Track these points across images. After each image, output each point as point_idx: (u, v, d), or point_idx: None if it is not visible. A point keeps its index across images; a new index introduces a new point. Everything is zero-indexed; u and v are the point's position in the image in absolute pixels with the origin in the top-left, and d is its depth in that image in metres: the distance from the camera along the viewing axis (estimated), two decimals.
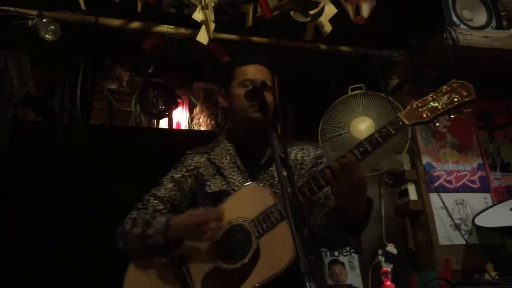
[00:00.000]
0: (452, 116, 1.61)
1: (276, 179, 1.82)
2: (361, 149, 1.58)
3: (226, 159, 1.91)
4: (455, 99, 1.58)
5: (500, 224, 2.79)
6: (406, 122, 1.60)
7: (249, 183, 1.79)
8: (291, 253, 1.52)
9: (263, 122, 1.80)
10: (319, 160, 1.97)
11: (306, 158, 1.95)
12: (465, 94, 1.58)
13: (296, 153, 1.95)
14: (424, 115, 1.59)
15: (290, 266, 1.52)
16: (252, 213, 1.67)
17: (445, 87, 1.61)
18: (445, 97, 1.59)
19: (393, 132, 1.59)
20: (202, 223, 1.64)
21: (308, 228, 1.84)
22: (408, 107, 1.62)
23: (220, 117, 3.84)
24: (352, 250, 3.03)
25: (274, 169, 1.85)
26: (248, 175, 1.85)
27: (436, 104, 1.59)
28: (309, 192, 1.62)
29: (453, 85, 1.61)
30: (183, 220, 1.70)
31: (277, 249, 1.58)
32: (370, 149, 1.58)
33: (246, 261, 1.60)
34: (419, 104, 1.61)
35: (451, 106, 1.58)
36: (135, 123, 4.12)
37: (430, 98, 1.61)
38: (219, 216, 1.67)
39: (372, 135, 1.61)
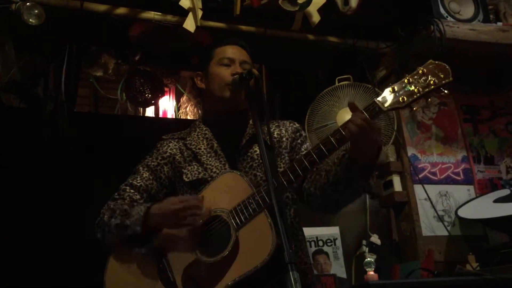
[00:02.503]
0: (429, 100, 1.56)
1: (257, 161, 1.78)
2: (337, 137, 1.57)
3: (203, 143, 1.85)
4: (432, 82, 1.52)
5: (482, 216, 2.82)
6: (382, 108, 1.55)
7: (225, 171, 1.75)
8: (271, 245, 1.49)
9: (239, 103, 1.78)
10: (298, 133, 1.93)
11: (283, 134, 1.90)
12: (442, 76, 1.53)
13: (272, 130, 1.90)
14: (401, 99, 1.54)
15: (271, 258, 1.49)
16: (230, 203, 1.63)
17: (421, 68, 1.56)
18: (422, 80, 1.54)
19: (369, 118, 1.55)
20: (180, 210, 1.59)
21: (304, 195, 1.81)
22: (385, 90, 1.57)
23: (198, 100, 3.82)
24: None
25: (254, 150, 1.81)
26: (226, 159, 1.80)
27: (413, 88, 1.53)
28: (310, 163, 1.59)
29: (430, 66, 1.56)
30: (161, 207, 1.65)
31: (257, 241, 1.55)
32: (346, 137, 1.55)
33: (225, 254, 1.56)
34: (396, 88, 1.55)
35: (427, 89, 1.53)
36: (121, 111, 4.09)
37: (406, 81, 1.55)
38: (198, 203, 1.62)
39: (347, 122, 1.56)
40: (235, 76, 1.79)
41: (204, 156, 1.82)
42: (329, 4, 2.73)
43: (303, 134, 1.96)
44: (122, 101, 3.71)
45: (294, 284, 1.21)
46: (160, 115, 4.24)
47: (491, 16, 3.10)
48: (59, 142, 3.01)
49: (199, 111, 3.98)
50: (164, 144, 1.92)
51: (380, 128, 1.58)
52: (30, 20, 2.36)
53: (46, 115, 3.09)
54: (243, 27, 2.82)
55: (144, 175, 1.86)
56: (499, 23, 3.06)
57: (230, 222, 1.60)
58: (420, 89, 1.53)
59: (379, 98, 1.57)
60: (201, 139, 1.87)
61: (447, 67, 1.54)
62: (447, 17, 2.89)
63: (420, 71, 1.55)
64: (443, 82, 1.52)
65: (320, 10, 2.72)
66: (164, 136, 1.97)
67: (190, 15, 2.54)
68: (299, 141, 1.92)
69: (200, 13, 2.54)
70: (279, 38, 2.90)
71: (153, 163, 1.88)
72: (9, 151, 2.92)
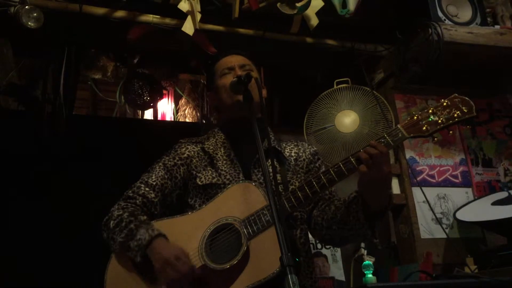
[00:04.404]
0: (451, 132, 1.60)
1: (271, 174, 1.73)
2: (356, 157, 1.58)
3: (220, 150, 1.88)
4: (456, 115, 1.56)
5: (480, 218, 2.82)
6: (406, 135, 1.59)
7: (240, 180, 1.75)
8: None
9: (240, 106, 1.78)
10: (316, 157, 1.96)
11: (301, 154, 1.93)
12: (465, 110, 1.57)
13: (291, 149, 1.93)
14: (424, 129, 1.58)
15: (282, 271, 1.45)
16: (243, 213, 1.63)
17: (446, 101, 1.60)
18: (446, 112, 1.57)
19: (391, 143, 1.59)
20: (176, 277, 1.55)
21: (312, 224, 1.83)
22: (408, 118, 1.61)
23: (206, 109, 3.82)
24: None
25: (269, 163, 1.78)
26: (241, 169, 1.82)
27: (437, 118, 1.57)
28: (320, 187, 1.61)
29: (454, 99, 1.59)
30: (165, 252, 1.59)
31: (268, 252, 1.52)
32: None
33: (235, 262, 1.55)
34: (419, 117, 1.59)
35: (451, 121, 1.57)
36: (119, 114, 4.08)
37: (430, 111, 1.59)
38: (191, 273, 1.57)
39: (369, 144, 1.59)
40: (233, 80, 1.80)
41: (220, 162, 1.84)
42: (327, 7, 2.73)
43: (321, 159, 1.98)
44: (120, 103, 3.70)
45: (292, 287, 1.21)
46: (159, 117, 4.23)
47: (489, 19, 3.12)
48: (57, 145, 3.00)
49: (198, 114, 3.98)
50: (182, 146, 1.93)
51: (389, 160, 1.60)
52: (29, 23, 2.36)
53: (44, 118, 3.09)
54: (242, 30, 2.83)
55: (160, 173, 1.86)
56: (497, 26, 3.07)
57: (242, 231, 1.60)
58: (444, 120, 1.57)
59: (402, 124, 1.60)
60: (219, 146, 1.90)
61: (471, 102, 1.58)
62: (445, 20, 2.90)
63: (444, 103, 1.59)
64: (466, 116, 1.56)
65: (318, 13, 2.73)
66: (181, 139, 1.98)
67: (189, 18, 2.54)
68: (317, 164, 1.94)
69: (198, 16, 2.55)
70: (277, 41, 2.91)
71: (170, 163, 1.89)
72: (8, 154, 2.91)
